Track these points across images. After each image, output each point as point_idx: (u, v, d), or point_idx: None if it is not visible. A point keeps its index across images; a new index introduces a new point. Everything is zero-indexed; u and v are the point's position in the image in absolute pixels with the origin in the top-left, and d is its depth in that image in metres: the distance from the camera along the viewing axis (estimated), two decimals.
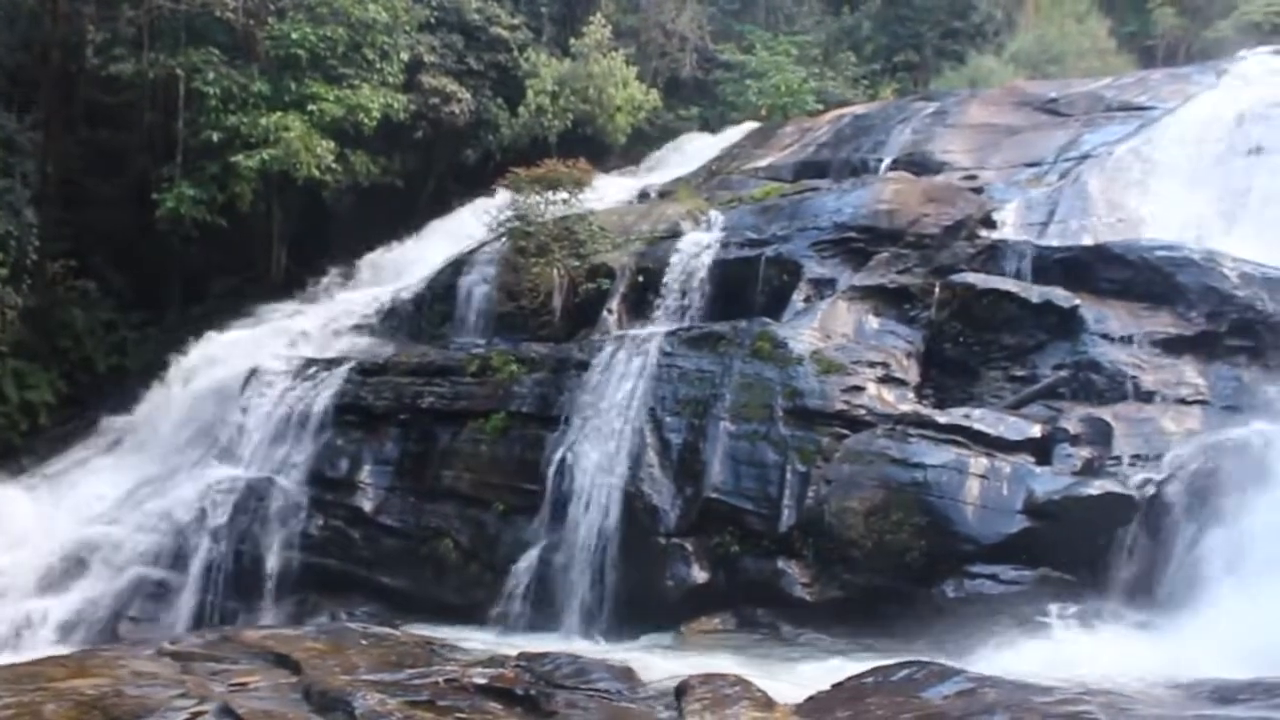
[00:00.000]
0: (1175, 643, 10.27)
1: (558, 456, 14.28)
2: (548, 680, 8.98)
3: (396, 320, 18.00)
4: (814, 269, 15.33)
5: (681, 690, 8.50)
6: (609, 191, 19.80)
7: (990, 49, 27.35)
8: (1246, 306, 13.11)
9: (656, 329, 15.33)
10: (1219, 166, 15.66)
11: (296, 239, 22.25)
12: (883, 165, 18.42)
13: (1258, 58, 18.42)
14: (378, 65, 21.56)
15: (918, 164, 17.96)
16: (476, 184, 21.23)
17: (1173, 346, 13.21)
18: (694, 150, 22.72)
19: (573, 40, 24.09)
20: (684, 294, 16.07)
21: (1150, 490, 11.81)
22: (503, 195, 18.27)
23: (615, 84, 23.31)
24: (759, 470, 13.23)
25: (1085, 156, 16.94)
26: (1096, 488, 11.88)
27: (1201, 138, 16.26)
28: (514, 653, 9.96)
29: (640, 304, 16.32)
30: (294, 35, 20.68)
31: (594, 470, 13.93)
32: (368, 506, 15.24)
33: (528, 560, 13.95)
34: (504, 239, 17.54)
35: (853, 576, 12.45)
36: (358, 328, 18.03)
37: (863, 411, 13.26)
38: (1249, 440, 11.63)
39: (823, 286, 15.08)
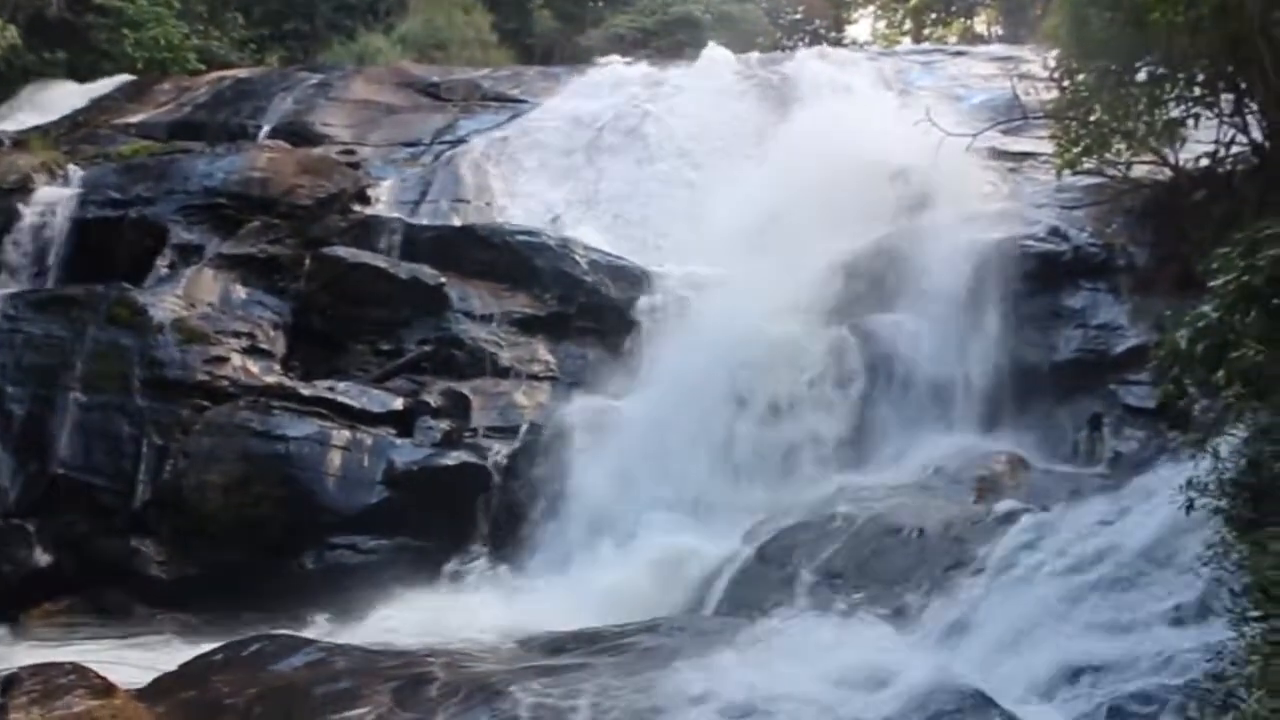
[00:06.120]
0: (527, 601, 11.04)
1: None
2: None
3: None
4: (181, 234, 14.69)
5: (9, 684, 7.85)
6: None
7: (381, 28, 27.62)
8: (593, 291, 14.19)
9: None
10: (576, 160, 16.90)
11: None
12: (262, 132, 18.00)
13: (616, 67, 20.04)
14: None
15: (298, 134, 17.73)
16: None
17: (528, 326, 14.04)
18: (58, 98, 20.89)
19: None
20: (36, 254, 14.80)
21: (504, 460, 12.57)
22: None
23: None
24: (112, 444, 12.61)
25: (460, 141, 17.59)
26: (453, 458, 12.48)
27: (563, 134, 17.44)
28: None
29: None
30: None
31: None
32: None
33: None
34: None
35: (211, 552, 12.16)
36: None
37: (226, 383, 12.99)
38: (591, 412, 12.73)
39: (190, 253, 14.51)
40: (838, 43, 31.38)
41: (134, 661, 9.34)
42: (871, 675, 7.06)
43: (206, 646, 9.41)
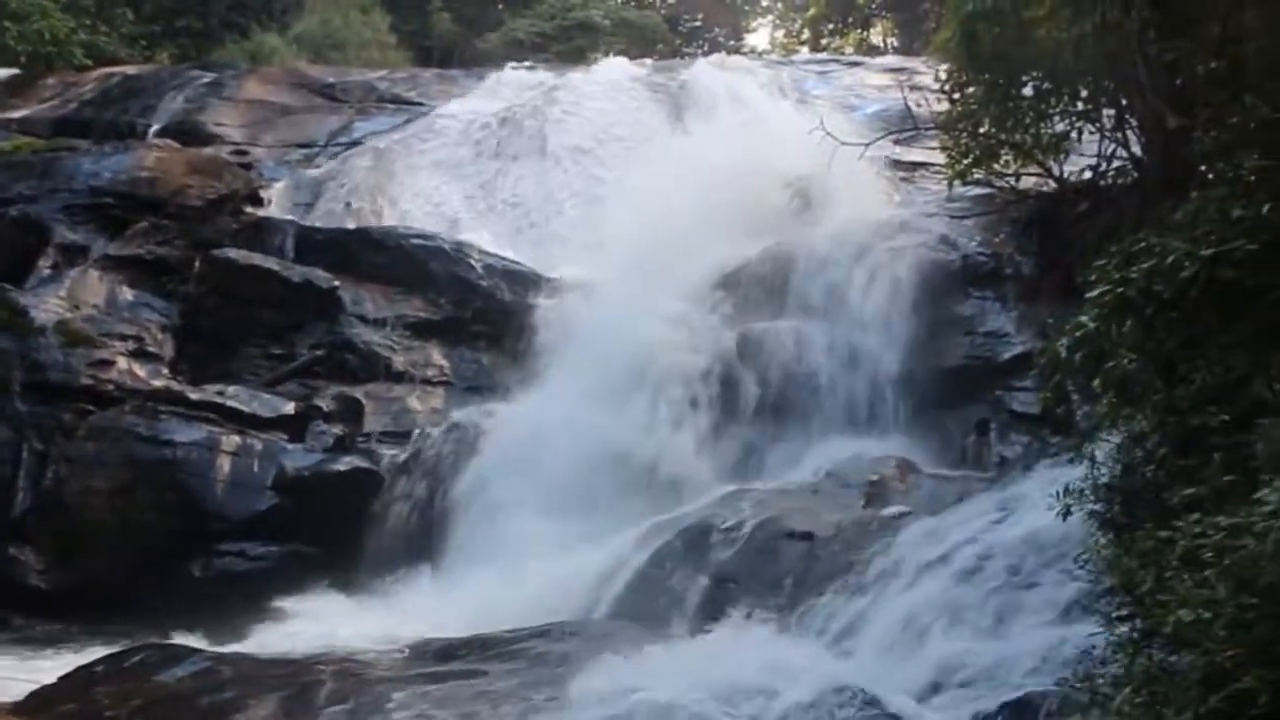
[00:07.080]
0: (419, 607, 10.95)
1: None
2: None
3: None
4: (65, 234, 14.30)
5: None
6: None
7: (276, 27, 27.20)
8: (489, 295, 14.14)
9: None
10: (473, 165, 16.82)
11: None
12: (151, 131, 17.62)
13: (514, 72, 19.95)
14: None
15: (189, 133, 17.39)
16: None
17: (423, 330, 13.96)
18: None
19: None
20: None
21: (397, 465, 12.53)
22: None
23: None
24: None
25: (356, 143, 17.42)
26: (345, 463, 12.44)
27: (461, 137, 17.34)
28: None
29: None
30: None
31: None
32: None
33: None
34: None
35: (94, 561, 11.97)
36: None
37: (111, 387, 12.77)
38: (484, 417, 12.70)
39: (74, 254, 14.15)
40: (736, 51, 31.58)
41: (11, 674, 9.21)
42: (762, 679, 7.14)
43: (88, 657, 9.34)
